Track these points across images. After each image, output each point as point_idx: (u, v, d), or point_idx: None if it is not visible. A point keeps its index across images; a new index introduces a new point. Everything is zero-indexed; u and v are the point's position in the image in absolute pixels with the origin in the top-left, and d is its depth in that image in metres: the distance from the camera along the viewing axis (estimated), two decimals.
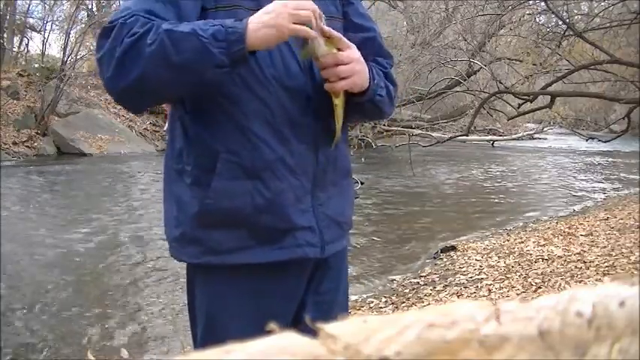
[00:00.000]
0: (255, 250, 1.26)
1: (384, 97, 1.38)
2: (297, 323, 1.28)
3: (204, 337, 1.30)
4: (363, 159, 10.98)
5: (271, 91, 1.25)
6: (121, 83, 1.16)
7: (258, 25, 1.15)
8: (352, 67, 1.25)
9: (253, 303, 1.28)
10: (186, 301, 1.40)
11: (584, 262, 4.76)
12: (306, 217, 1.29)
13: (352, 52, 1.26)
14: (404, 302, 4.30)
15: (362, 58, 1.29)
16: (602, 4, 8.83)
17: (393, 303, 4.31)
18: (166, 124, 1.47)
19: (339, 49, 1.24)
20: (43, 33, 16.87)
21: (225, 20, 1.16)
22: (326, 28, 1.21)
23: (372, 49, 1.40)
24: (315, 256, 1.31)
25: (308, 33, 1.17)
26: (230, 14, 1.22)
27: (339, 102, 1.28)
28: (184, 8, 1.21)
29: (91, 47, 16.26)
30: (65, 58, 15.43)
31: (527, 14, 9.71)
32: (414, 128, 14.39)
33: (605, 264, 4.60)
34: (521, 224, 7.37)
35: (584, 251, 5.15)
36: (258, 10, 1.21)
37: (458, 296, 4.26)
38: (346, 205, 1.41)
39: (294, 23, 1.15)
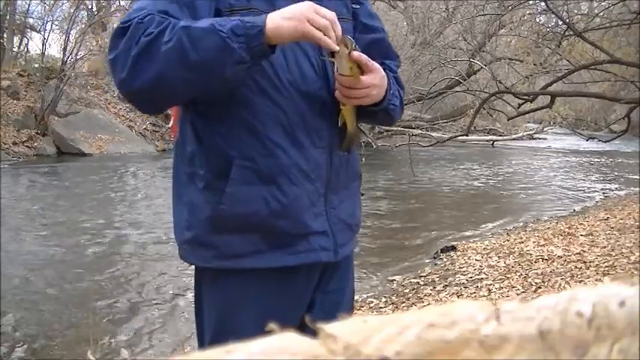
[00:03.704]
0: (269, 255, 1.25)
1: (397, 107, 1.38)
2: (305, 324, 1.26)
3: (214, 341, 1.28)
4: (363, 159, 10.93)
5: (286, 96, 1.24)
6: (137, 84, 1.13)
7: (277, 18, 1.13)
8: (367, 91, 1.25)
9: (264, 306, 1.27)
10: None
11: (584, 262, 4.76)
12: (319, 222, 1.29)
13: (373, 77, 1.25)
14: (404, 302, 4.30)
15: (384, 79, 1.28)
16: (602, 4, 8.83)
17: (393, 303, 4.31)
18: (170, 122, 1.46)
19: (362, 71, 1.24)
20: (43, 33, 16.83)
21: (244, 17, 1.16)
22: (355, 53, 1.21)
23: (380, 51, 1.40)
24: (328, 259, 1.31)
25: (320, 39, 1.15)
26: (245, 16, 1.21)
27: (345, 110, 1.29)
28: (199, 10, 1.20)
29: (91, 47, 16.28)
30: (65, 58, 15.43)
31: (528, 14, 9.71)
32: (414, 128, 14.40)
33: (605, 264, 4.60)
34: (521, 224, 7.36)
35: (584, 251, 5.15)
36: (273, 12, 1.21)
37: (458, 296, 4.26)
38: (356, 206, 1.42)
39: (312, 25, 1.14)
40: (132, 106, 1.46)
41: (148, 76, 1.12)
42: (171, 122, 1.45)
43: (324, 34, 1.15)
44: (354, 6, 1.40)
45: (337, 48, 1.19)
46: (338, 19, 1.27)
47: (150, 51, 1.11)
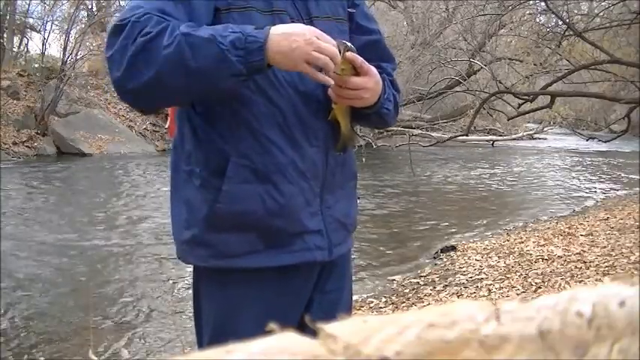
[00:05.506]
0: (265, 254, 1.26)
1: (391, 111, 1.39)
2: (304, 323, 1.26)
3: (213, 341, 1.28)
4: (363, 159, 10.97)
5: (284, 95, 1.24)
6: (132, 84, 1.13)
7: (285, 46, 1.13)
8: (359, 93, 1.25)
9: (265, 305, 1.27)
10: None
11: (584, 262, 4.76)
12: (315, 221, 1.29)
13: (366, 81, 1.25)
14: (404, 302, 4.30)
15: (378, 84, 1.28)
16: (602, 4, 8.84)
17: (393, 303, 4.31)
18: (167, 123, 1.46)
19: (357, 73, 1.24)
20: (43, 33, 16.83)
21: (246, 27, 1.14)
22: (350, 54, 1.21)
23: (376, 52, 1.40)
24: (323, 259, 1.32)
25: (327, 65, 1.16)
26: (243, 16, 1.21)
27: (337, 108, 1.29)
28: (196, 8, 1.19)
29: (91, 47, 16.27)
30: (65, 58, 15.42)
31: (528, 14, 9.72)
32: (414, 128, 14.39)
33: (605, 264, 4.60)
34: (521, 224, 7.36)
35: (584, 251, 5.14)
36: (271, 11, 1.21)
37: (458, 296, 4.26)
38: (352, 206, 1.42)
39: (315, 51, 1.14)
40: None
41: (144, 78, 1.11)
42: (168, 122, 1.45)
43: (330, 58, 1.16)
44: (349, 10, 1.40)
45: (332, 82, 1.20)
46: (334, 19, 1.28)
47: (147, 52, 1.11)
